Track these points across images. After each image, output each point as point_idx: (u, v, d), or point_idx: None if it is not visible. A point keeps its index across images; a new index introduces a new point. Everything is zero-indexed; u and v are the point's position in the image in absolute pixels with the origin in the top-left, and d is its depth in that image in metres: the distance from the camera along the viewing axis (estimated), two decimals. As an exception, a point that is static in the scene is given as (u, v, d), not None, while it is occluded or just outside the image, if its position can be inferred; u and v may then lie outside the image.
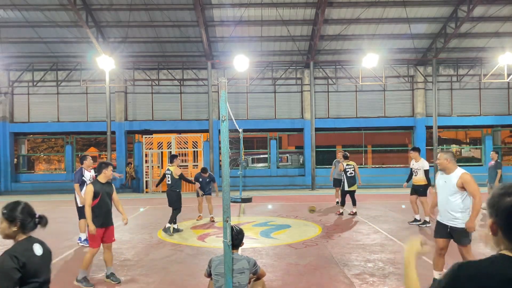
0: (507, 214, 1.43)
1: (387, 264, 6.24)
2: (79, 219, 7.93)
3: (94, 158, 31.02)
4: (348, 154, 11.38)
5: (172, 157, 9.40)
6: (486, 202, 1.55)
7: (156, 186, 10.15)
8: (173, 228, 8.89)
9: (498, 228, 1.47)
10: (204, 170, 10.83)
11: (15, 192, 19.00)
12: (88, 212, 5.41)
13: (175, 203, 9.02)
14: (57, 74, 19.20)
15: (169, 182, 9.07)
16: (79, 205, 7.79)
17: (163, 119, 19.60)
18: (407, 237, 8.19)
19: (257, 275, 4.02)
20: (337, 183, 12.17)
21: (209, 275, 3.99)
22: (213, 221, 10.27)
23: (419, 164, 9.28)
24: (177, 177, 8.91)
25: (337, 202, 12.53)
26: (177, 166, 9.18)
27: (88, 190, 5.43)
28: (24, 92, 19.64)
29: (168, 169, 9.18)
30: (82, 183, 7.81)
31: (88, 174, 7.99)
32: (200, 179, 10.46)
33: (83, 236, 7.81)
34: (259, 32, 17.91)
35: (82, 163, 8.09)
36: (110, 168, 5.67)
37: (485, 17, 17.06)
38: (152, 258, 6.89)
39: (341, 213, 10.96)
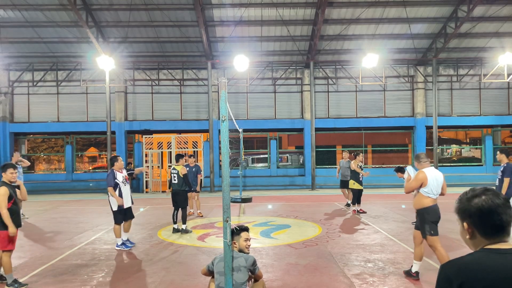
0: (480, 214, 1.56)
1: (387, 264, 6.24)
2: (115, 223, 7.59)
3: (94, 158, 31.07)
4: (357, 153, 11.65)
5: (178, 157, 9.41)
6: (454, 209, 1.67)
7: (169, 188, 9.31)
8: (182, 228, 8.87)
9: (474, 230, 1.59)
10: (191, 155, 11.20)
11: (15, 192, 18.99)
12: (6, 214, 5.23)
13: (184, 202, 9.08)
14: (57, 74, 19.20)
15: (176, 182, 8.98)
16: (114, 209, 7.52)
17: (163, 119, 19.60)
18: (407, 237, 8.19)
19: (254, 276, 3.98)
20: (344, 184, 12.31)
21: (210, 272, 3.98)
22: (202, 215, 11.03)
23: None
24: (181, 175, 8.94)
25: (347, 204, 12.37)
26: (183, 166, 9.23)
27: (3, 193, 5.27)
28: (24, 92, 19.64)
29: (174, 169, 9.11)
30: (115, 186, 7.52)
31: (121, 176, 7.65)
32: (187, 169, 10.50)
33: (120, 241, 7.59)
34: (259, 32, 17.90)
35: (112, 165, 7.70)
36: (10, 170, 5.46)
37: (485, 17, 17.06)
38: (152, 258, 6.89)
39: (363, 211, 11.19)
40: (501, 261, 1.50)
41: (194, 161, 11.40)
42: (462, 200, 1.64)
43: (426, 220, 5.33)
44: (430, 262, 6.32)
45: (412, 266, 5.64)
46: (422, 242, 5.49)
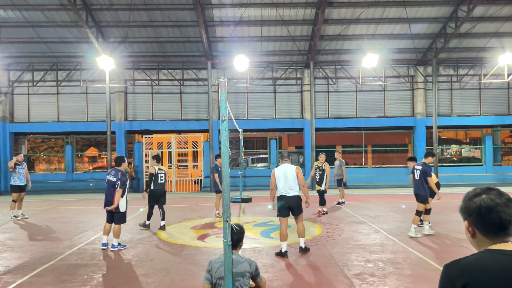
0: (478, 212, 1.57)
1: (387, 264, 6.24)
2: (118, 223, 7.43)
3: (94, 158, 31.06)
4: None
5: (158, 157, 9.72)
6: (459, 208, 1.69)
7: (146, 190, 9.43)
8: (163, 225, 9.33)
9: (474, 229, 1.60)
10: (218, 156, 11.13)
11: (15, 192, 18.97)
12: None
13: (165, 201, 9.49)
14: (57, 74, 19.20)
15: (163, 181, 9.32)
16: (123, 210, 7.42)
17: (163, 119, 19.59)
18: (407, 237, 8.19)
19: (256, 284, 3.77)
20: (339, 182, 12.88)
21: (210, 283, 3.55)
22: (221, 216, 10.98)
23: None
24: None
25: (339, 202, 12.82)
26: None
27: None
28: (24, 92, 19.63)
29: (161, 169, 9.38)
30: (125, 188, 7.44)
31: None
32: (219, 168, 10.43)
33: (116, 241, 7.47)
34: (259, 32, 17.90)
35: (119, 165, 7.49)
36: None
37: (485, 17, 17.06)
38: (152, 258, 6.89)
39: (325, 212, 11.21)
40: (505, 262, 1.48)
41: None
42: (465, 199, 1.65)
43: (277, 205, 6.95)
44: (431, 263, 6.32)
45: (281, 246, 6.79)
46: (286, 226, 6.91)
